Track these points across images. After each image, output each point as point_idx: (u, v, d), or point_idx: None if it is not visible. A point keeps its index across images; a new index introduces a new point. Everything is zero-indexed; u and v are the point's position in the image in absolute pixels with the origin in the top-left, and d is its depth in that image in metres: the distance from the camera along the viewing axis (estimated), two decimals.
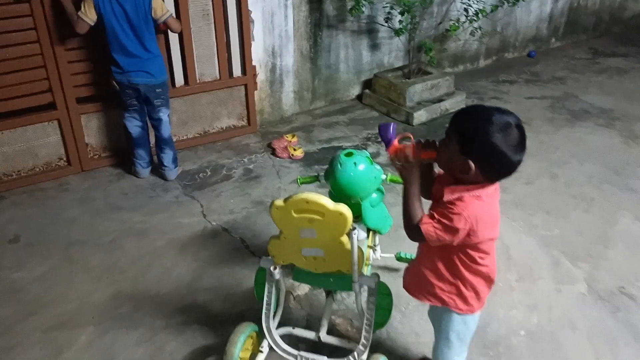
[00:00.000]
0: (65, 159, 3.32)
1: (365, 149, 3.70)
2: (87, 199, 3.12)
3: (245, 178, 3.35)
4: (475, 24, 4.07)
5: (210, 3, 3.38)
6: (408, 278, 1.77)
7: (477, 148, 1.38)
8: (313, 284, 2.06)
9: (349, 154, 2.08)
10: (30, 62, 2.99)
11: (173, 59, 3.40)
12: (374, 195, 2.19)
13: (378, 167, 2.15)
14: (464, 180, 1.45)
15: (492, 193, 1.48)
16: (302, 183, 2.22)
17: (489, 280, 1.63)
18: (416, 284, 1.71)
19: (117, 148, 3.45)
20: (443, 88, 4.26)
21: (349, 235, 1.72)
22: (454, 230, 1.42)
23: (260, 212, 2.99)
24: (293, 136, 3.75)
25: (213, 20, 3.44)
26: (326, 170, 2.17)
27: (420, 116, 4.03)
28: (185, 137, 3.68)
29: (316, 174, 2.21)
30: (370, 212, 2.18)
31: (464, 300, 1.63)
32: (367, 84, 4.45)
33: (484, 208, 1.45)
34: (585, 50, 5.61)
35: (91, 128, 3.33)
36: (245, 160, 3.56)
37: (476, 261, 1.55)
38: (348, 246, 1.74)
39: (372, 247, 2.37)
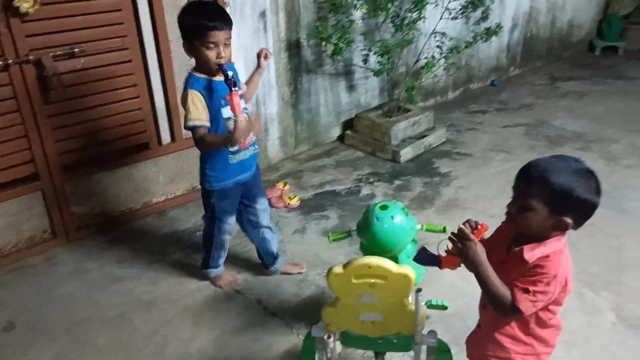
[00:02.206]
0: (50, 230, 3.08)
1: (359, 191, 3.67)
2: (81, 271, 2.90)
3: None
4: (450, 60, 4.17)
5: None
6: (475, 348, 1.70)
7: (572, 205, 1.35)
8: (366, 347, 1.97)
9: (384, 207, 2.04)
10: (11, 133, 2.78)
11: (158, 116, 3.27)
12: (409, 245, 2.15)
13: (412, 217, 2.12)
14: (541, 236, 1.41)
15: (565, 242, 1.46)
16: (333, 240, 2.15)
17: (558, 329, 1.60)
18: (486, 352, 1.61)
19: (105, 214, 3.25)
20: (424, 124, 4.31)
21: (414, 296, 1.65)
22: (551, 295, 1.38)
23: None
24: (285, 184, 3.67)
25: None
26: (359, 224, 2.12)
27: (406, 153, 4.05)
28: (173, 195, 3.52)
29: (348, 230, 2.14)
30: (407, 264, 2.12)
31: (538, 357, 1.58)
32: (347, 125, 4.45)
33: (569, 260, 1.42)
34: (543, 76, 5.86)
35: (77, 195, 3.13)
36: None
37: (553, 314, 1.52)
38: (410, 307, 1.67)
39: None
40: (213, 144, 2.25)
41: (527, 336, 1.52)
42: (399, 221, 2.02)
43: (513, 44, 5.75)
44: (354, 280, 1.61)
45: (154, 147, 3.31)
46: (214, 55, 2.14)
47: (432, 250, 1.64)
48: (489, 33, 4.07)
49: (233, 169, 2.39)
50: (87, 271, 2.90)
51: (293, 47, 3.88)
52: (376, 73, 3.98)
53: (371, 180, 3.83)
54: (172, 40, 3.14)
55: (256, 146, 2.49)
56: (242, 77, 2.65)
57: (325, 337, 1.78)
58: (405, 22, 3.92)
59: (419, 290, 1.63)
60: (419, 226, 2.11)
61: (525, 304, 1.36)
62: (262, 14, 3.57)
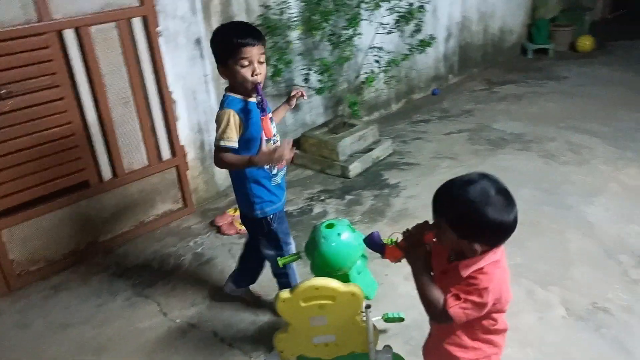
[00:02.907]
0: None
1: (311, 210, 3.66)
2: (24, 321, 2.75)
3: (197, 264, 3.16)
4: (389, 73, 4.25)
5: (130, 89, 3.23)
6: (430, 357, 1.70)
7: (474, 232, 1.37)
8: None
9: (330, 225, 2.02)
10: None
11: (97, 152, 3.18)
12: (359, 261, 2.14)
13: (359, 232, 2.11)
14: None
15: (503, 251, 1.48)
16: (283, 263, 2.11)
17: (505, 330, 1.63)
18: None
19: (48, 258, 3.11)
20: (370, 137, 4.36)
21: (363, 313, 1.64)
22: (483, 306, 1.39)
23: (226, 299, 2.81)
24: (235, 210, 3.62)
25: (134, 107, 3.28)
26: (307, 245, 2.09)
27: (355, 168, 4.08)
28: (120, 232, 3.41)
29: (297, 252, 2.11)
30: (358, 280, 2.11)
31: (489, 359, 1.60)
32: (295, 145, 4.44)
33: (504, 273, 1.44)
34: (481, 82, 6.05)
35: (15, 241, 2.99)
36: (192, 244, 3.36)
37: (495, 321, 1.54)
38: (362, 325, 1.66)
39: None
40: (232, 165, 2.18)
41: (475, 341, 1.55)
42: (346, 238, 2.00)
43: (449, 53, 5.92)
44: (303, 304, 1.59)
45: (95, 184, 3.20)
46: (249, 73, 2.05)
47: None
48: (424, 44, 4.18)
49: (277, 191, 2.35)
50: (32, 321, 2.76)
51: None
52: (318, 91, 4.00)
53: (322, 197, 3.83)
54: (105, 74, 3.08)
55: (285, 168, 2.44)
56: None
57: None
58: (342, 39, 3.97)
59: (367, 307, 1.62)
60: None
61: (455, 310, 1.39)
62: (197, 41, 3.55)
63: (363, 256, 2.17)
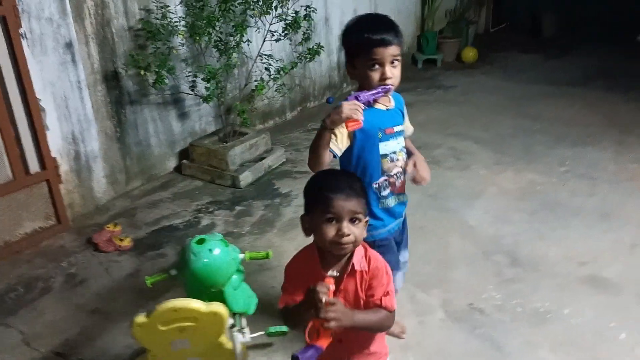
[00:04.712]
0: None
1: (199, 222, 3.52)
2: None
3: (69, 286, 2.90)
4: (279, 81, 4.21)
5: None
6: None
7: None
8: None
9: (201, 241, 1.93)
10: None
11: None
12: (234, 276, 2.05)
13: (233, 247, 2.03)
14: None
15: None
16: (151, 283, 1.97)
17: None
18: None
19: None
20: (262, 146, 4.29)
21: (228, 333, 1.55)
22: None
23: (99, 323, 2.60)
24: (115, 225, 3.37)
25: None
26: (177, 263, 1.98)
27: (246, 178, 3.98)
28: None
29: (167, 271, 1.98)
30: (235, 296, 2.02)
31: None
32: (184, 154, 4.28)
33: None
34: None
35: None
36: (64, 264, 3.09)
37: None
38: (228, 346, 1.57)
39: (241, 330, 2.21)
40: (312, 148, 1.80)
41: (375, 344, 1.60)
42: (218, 253, 1.91)
43: (343, 62, 6.00)
44: (161, 328, 1.47)
45: None
46: (376, 76, 1.78)
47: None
48: (312, 52, 4.18)
49: (383, 216, 1.99)
50: None
51: (111, 79, 3.63)
52: (205, 99, 3.87)
53: (211, 209, 3.69)
54: (37, 91, 2.81)
55: (406, 195, 2.08)
56: None
57: None
58: (229, 46, 3.87)
59: (232, 326, 1.53)
60: (242, 255, 2.03)
61: (392, 302, 1.51)
62: (68, 45, 3.29)
63: (239, 271, 2.09)
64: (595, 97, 5.55)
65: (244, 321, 2.24)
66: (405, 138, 2.05)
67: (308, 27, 4.18)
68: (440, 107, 5.53)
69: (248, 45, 4.10)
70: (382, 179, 1.93)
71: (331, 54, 5.73)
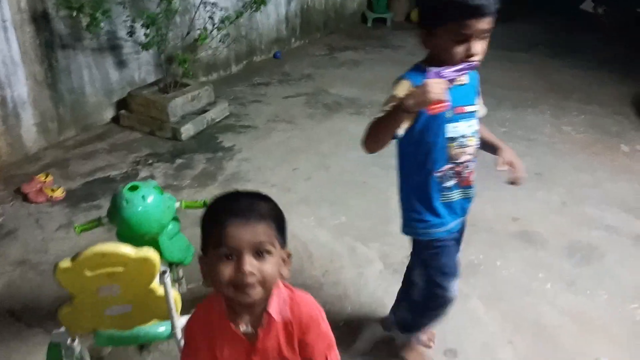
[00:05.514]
0: None
1: (137, 174, 3.40)
2: None
3: None
4: (224, 31, 4.06)
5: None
6: None
7: None
8: (123, 344, 1.77)
9: (134, 188, 1.85)
10: None
11: None
12: (170, 226, 2.00)
13: (169, 195, 1.97)
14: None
15: None
16: (81, 231, 1.89)
17: None
18: None
19: None
20: (204, 98, 4.15)
21: (160, 279, 1.51)
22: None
23: (26, 274, 2.50)
24: (47, 175, 3.22)
25: None
26: (109, 210, 1.90)
27: (188, 130, 3.86)
28: None
29: (98, 218, 1.90)
30: (170, 246, 1.98)
31: None
32: (122, 105, 4.09)
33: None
34: (322, 47, 6.10)
35: None
36: None
37: None
38: (160, 292, 1.53)
39: (178, 281, 2.17)
40: (375, 129, 1.51)
41: None
42: (151, 201, 1.84)
43: (291, 15, 5.85)
44: (88, 273, 1.41)
45: None
46: (462, 52, 1.45)
47: None
48: (257, 2, 4.04)
49: (443, 212, 1.72)
50: None
51: (40, 19, 3.39)
52: (144, 46, 3.69)
53: (150, 161, 3.57)
54: None
55: (474, 189, 1.77)
56: None
57: (69, 341, 1.56)
58: None
59: (163, 272, 1.49)
60: (177, 204, 1.97)
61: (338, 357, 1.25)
62: None
63: (175, 220, 2.04)
64: (538, 63, 5.69)
65: (180, 272, 2.21)
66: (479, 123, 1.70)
67: None
68: (388, 66, 5.49)
69: None
70: (447, 166, 1.65)
71: (279, 6, 5.58)
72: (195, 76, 4.53)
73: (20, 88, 3.34)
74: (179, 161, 3.59)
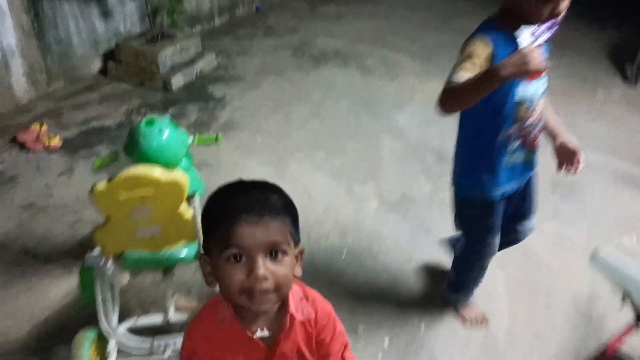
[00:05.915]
0: None
1: (132, 123, 3.44)
2: None
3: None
4: None
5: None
6: None
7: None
8: (150, 266, 1.88)
9: (151, 122, 1.92)
10: None
11: None
12: (183, 160, 2.08)
13: (182, 129, 2.04)
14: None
15: None
16: (99, 166, 1.96)
17: None
18: None
19: None
20: (192, 50, 4.16)
21: (188, 202, 1.62)
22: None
23: (35, 215, 2.57)
24: (42, 125, 3.23)
25: None
26: (126, 144, 1.97)
27: (178, 81, 3.89)
28: None
29: (115, 152, 1.97)
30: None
31: None
32: (109, 56, 4.07)
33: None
34: (303, 1, 6.08)
35: None
36: None
37: None
38: (187, 215, 1.63)
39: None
40: (459, 92, 1.40)
41: None
42: (167, 135, 1.92)
43: None
44: (123, 195, 1.50)
45: None
46: (549, 10, 1.43)
47: None
48: None
49: (503, 175, 1.69)
50: None
51: None
52: None
53: (143, 111, 3.61)
54: None
55: (538, 154, 1.77)
56: None
57: (102, 262, 1.66)
58: None
59: (191, 196, 1.59)
60: (191, 138, 2.05)
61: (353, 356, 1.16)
62: None
63: (188, 155, 2.12)
64: None
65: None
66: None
67: None
68: (371, 20, 5.55)
69: None
70: (514, 127, 1.61)
71: None
72: (179, 28, 4.50)
73: (9, 38, 3.30)
74: (172, 111, 3.63)
